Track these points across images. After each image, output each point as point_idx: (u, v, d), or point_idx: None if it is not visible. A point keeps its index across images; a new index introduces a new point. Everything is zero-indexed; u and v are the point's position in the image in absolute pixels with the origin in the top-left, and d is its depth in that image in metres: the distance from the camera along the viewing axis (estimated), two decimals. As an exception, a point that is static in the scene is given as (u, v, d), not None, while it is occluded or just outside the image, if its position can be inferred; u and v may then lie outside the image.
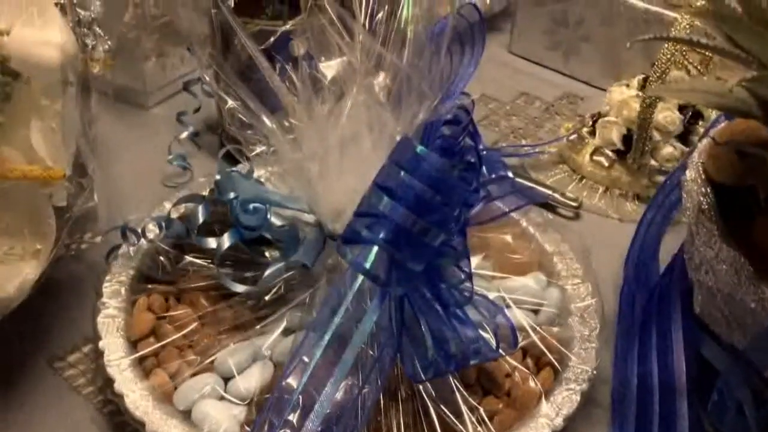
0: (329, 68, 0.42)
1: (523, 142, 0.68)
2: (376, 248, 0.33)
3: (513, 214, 0.51)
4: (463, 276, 0.38)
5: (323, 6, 0.42)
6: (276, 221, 0.44)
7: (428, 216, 0.32)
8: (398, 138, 0.39)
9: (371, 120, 0.40)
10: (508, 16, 0.84)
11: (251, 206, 0.44)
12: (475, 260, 0.46)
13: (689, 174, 0.45)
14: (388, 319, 0.38)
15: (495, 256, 0.48)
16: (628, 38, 0.71)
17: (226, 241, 0.43)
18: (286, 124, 0.41)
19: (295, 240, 0.44)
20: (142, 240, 0.47)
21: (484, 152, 0.49)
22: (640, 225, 0.54)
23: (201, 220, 0.44)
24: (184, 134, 0.63)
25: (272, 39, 0.49)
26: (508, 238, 0.49)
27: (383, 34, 0.44)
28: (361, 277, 0.37)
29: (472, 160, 0.41)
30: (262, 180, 0.49)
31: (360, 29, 0.42)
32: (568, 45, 0.76)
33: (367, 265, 0.33)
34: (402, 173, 0.32)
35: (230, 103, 0.44)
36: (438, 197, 0.32)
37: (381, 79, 0.43)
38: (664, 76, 0.56)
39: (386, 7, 0.44)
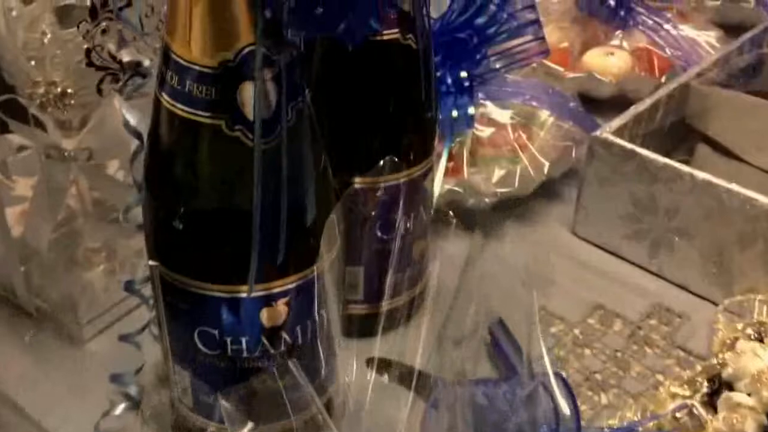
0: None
1: (603, 398, 0.48)
2: None
3: None
4: None
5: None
6: None
7: None
8: None
9: None
10: (572, 179, 0.65)
11: None
12: None
13: None
14: None
15: None
16: (744, 240, 0.52)
17: None
18: None
19: None
20: None
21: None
22: None
23: None
24: (120, 408, 0.44)
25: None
26: None
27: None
28: None
29: None
30: None
31: None
32: (656, 237, 0.56)
33: None
34: None
35: None
36: None
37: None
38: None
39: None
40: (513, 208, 0.63)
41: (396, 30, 0.41)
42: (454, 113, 0.61)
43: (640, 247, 0.57)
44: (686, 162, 0.63)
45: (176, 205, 0.35)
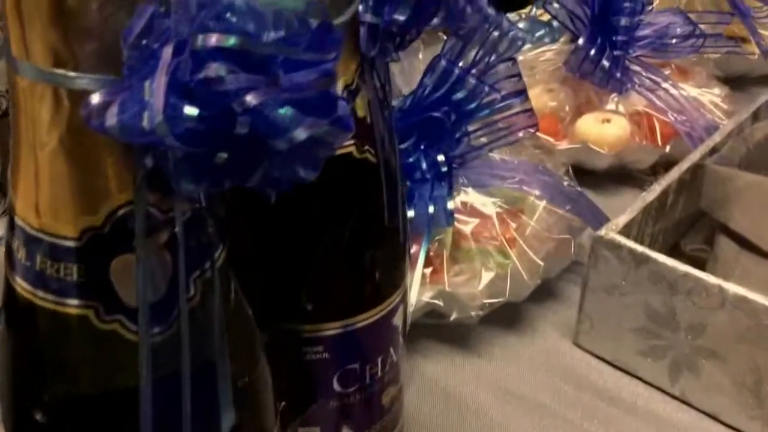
0: None
1: None
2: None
3: None
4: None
5: None
6: None
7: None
8: None
9: None
10: (571, 272, 0.56)
11: None
12: None
13: None
14: None
15: None
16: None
17: None
18: None
19: None
20: None
21: None
22: None
23: None
24: None
25: None
26: None
27: None
28: None
29: None
30: None
31: None
32: (677, 357, 0.46)
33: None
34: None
35: None
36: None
37: None
38: None
39: None
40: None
41: (350, 141, 0.32)
42: (431, 208, 0.51)
43: (658, 367, 0.47)
44: (704, 254, 0.54)
45: (35, 414, 0.25)
